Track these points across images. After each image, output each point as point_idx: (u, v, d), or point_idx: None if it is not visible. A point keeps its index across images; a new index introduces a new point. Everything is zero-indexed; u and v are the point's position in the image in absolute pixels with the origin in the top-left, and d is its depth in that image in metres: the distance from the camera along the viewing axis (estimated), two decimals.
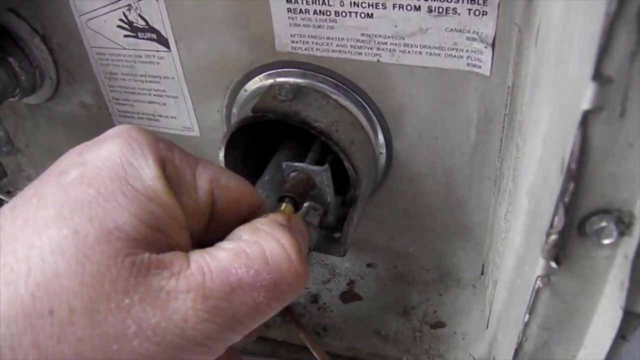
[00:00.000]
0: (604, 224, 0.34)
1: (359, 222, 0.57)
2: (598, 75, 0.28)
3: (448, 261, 0.66)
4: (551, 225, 0.36)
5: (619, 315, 0.37)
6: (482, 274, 0.63)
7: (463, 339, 0.60)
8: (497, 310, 0.52)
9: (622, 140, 0.30)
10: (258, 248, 0.32)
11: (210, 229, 0.36)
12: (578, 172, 0.32)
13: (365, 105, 0.58)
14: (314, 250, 0.55)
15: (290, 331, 0.63)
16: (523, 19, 0.46)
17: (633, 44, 0.26)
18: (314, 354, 0.38)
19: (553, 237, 0.36)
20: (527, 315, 0.42)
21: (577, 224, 0.35)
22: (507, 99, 0.52)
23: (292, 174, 0.53)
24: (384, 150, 0.60)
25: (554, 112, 0.36)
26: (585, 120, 0.29)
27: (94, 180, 0.30)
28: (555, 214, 0.35)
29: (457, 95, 0.55)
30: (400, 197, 0.64)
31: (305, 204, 0.54)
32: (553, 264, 0.38)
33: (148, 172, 0.31)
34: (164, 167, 0.32)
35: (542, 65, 0.38)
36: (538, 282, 0.39)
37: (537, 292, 0.40)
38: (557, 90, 0.35)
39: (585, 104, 0.29)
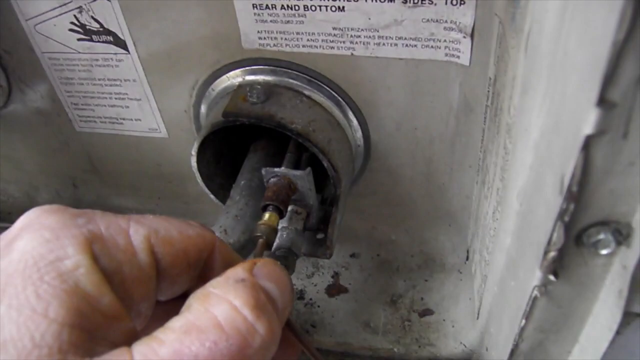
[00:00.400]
0: (602, 235, 0.34)
1: (341, 220, 0.56)
2: (602, 101, 0.26)
3: (431, 246, 0.66)
4: (549, 242, 0.35)
5: (616, 319, 0.37)
6: (467, 259, 0.63)
7: (453, 326, 0.60)
8: (488, 303, 0.52)
9: (624, 160, 0.29)
10: (208, 317, 0.28)
11: (162, 288, 0.33)
12: (579, 193, 0.31)
13: (341, 100, 0.56)
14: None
15: None
16: (505, 12, 0.44)
17: (639, 70, 0.25)
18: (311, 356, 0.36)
19: (552, 254, 0.36)
20: (523, 320, 0.42)
21: (575, 236, 0.35)
22: (488, 90, 0.50)
23: (272, 179, 0.51)
24: (361, 144, 0.59)
25: (548, 126, 0.35)
26: (588, 144, 0.28)
27: (4, 292, 0.26)
28: (553, 231, 0.35)
29: (436, 86, 0.53)
30: (380, 187, 0.63)
31: (288, 209, 0.52)
32: (551, 277, 0.38)
33: (67, 263, 0.27)
34: (90, 245, 0.28)
35: (534, 74, 0.36)
36: (535, 292, 0.39)
37: (533, 300, 0.40)
38: (551, 105, 0.34)
39: (588, 128, 0.28)
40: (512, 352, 0.45)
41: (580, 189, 0.30)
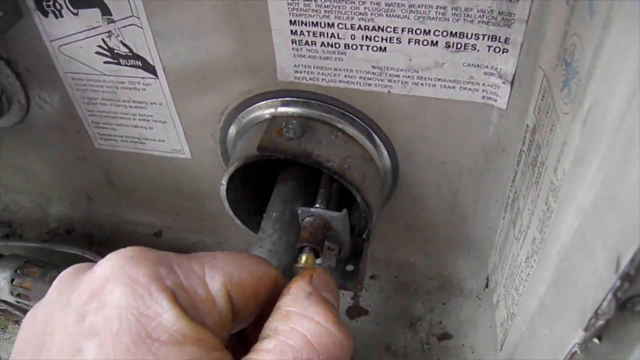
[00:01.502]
0: None
1: (370, 253, 0.57)
2: None
3: (449, 270, 0.67)
4: (597, 311, 0.37)
5: None
6: (486, 286, 0.64)
7: (472, 352, 0.62)
8: (515, 339, 0.53)
9: None
10: (298, 335, 0.31)
11: (233, 328, 0.34)
12: (636, 275, 0.32)
13: (373, 134, 0.56)
14: None
15: None
16: (553, 70, 0.44)
17: None
18: None
19: (600, 322, 0.37)
20: None
21: (620, 305, 0.36)
22: (524, 136, 0.51)
23: (307, 219, 0.51)
24: (389, 174, 0.59)
25: (602, 199, 0.36)
26: None
27: (117, 350, 0.27)
28: (603, 301, 0.36)
29: (469, 125, 0.54)
30: (403, 214, 0.64)
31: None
32: (595, 340, 0.39)
33: (167, 318, 0.28)
34: (176, 298, 0.29)
35: (590, 148, 0.37)
36: (575, 348, 0.41)
37: (572, 355, 0.42)
38: (607, 182, 0.35)
39: None
40: None
41: (637, 272, 0.31)
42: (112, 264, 0.30)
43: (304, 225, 0.51)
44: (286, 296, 0.35)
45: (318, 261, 0.53)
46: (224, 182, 0.56)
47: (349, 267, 0.57)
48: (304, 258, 0.47)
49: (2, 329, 0.69)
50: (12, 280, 0.60)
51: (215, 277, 0.32)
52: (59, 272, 0.58)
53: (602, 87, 0.36)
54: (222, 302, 0.31)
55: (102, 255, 0.69)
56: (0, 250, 0.65)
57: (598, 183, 0.36)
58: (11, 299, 0.61)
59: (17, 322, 0.70)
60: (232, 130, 0.60)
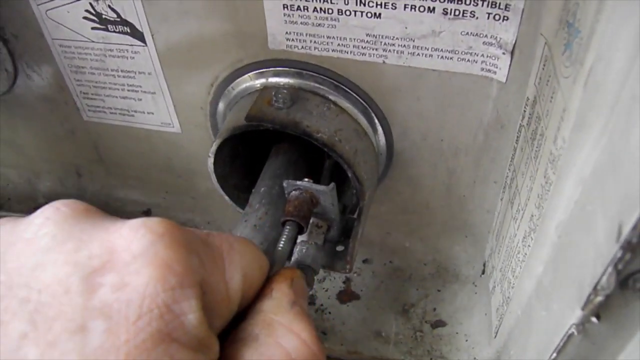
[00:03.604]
0: None
1: (362, 232, 0.54)
2: None
3: (445, 256, 0.65)
4: (596, 286, 0.34)
5: None
6: (482, 273, 0.62)
7: (466, 340, 0.59)
8: (509, 325, 0.51)
9: None
10: (282, 352, 0.29)
11: None
12: (638, 245, 0.30)
13: (367, 107, 0.54)
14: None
15: None
16: (554, 35, 0.42)
17: None
18: None
19: (599, 298, 0.35)
20: (554, 354, 0.41)
21: (621, 281, 0.34)
22: (524, 110, 0.49)
23: (293, 192, 0.49)
24: (384, 152, 0.57)
25: (603, 165, 0.34)
26: None
27: (130, 344, 0.23)
28: (602, 275, 0.34)
29: (467, 99, 0.52)
30: (398, 195, 0.61)
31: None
32: (594, 319, 0.37)
33: (192, 319, 0.25)
34: (202, 297, 0.27)
35: (593, 110, 0.35)
36: (572, 329, 0.38)
37: (569, 336, 0.39)
38: (610, 145, 0.32)
39: None
40: None
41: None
42: (141, 238, 0.26)
43: (289, 199, 0.49)
44: (268, 300, 0.33)
45: (304, 237, 0.50)
46: (211, 153, 0.54)
47: (339, 248, 0.55)
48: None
49: None
50: None
51: (235, 277, 0.30)
52: None
53: (604, 42, 0.34)
54: (235, 304, 0.30)
55: None
56: None
57: (600, 148, 0.34)
58: None
59: None
60: (222, 103, 0.58)
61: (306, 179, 0.50)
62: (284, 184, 0.49)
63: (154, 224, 0.27)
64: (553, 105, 0.42)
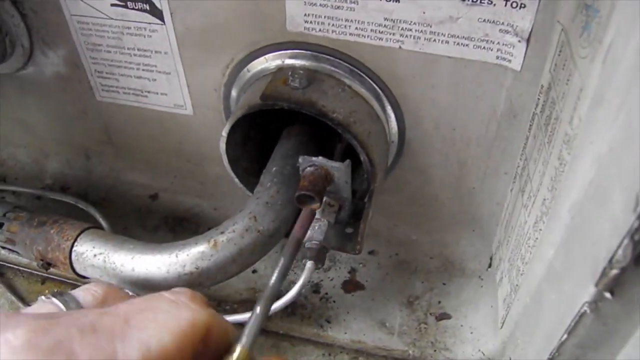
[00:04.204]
0: None
1: (371, 216, 0.54)
2: None
3: (452, 250, 0.65)
4: (611, 259, 0.34)
5: None
6: (489, 266, 0.62)
7: (471, 333, 0.59)
8: (517, 313, 0.51)
9: None
10: None
11: None
12: None
13: (380, 93, 0.54)
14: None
15: (292, 323, 0.61)
16: (571, 20, 0.43)
17: None
18: None
19: (614, 271, 0.35)
20: (565, 335, 0.41)
21: (636, 256, 0.34)
22: (538, 98, 0.49)
23: (308, 168, 0.49)
24: (395, 140, 0.57)
25: (620, 141, 0.34)
26: None
27: None
28: (618, 248, 0.34)
29: (481, 88, 0.52)
30: (407, 186, 0.62)
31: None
32: (607, 295, 0.37)
33: None
34: None
35: (611, 86, 0.35)
36: (585, 307, 0.38)
37: (580, 316, 0.39)
38: (628, 120, 0.33)
39: None
40: None
41: None
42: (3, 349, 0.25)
43: (304, 174, 0.49)
44: None
45: (317, 215, 0.51)
46: (225, 133, 0.54)
47: (349, 230, 0.55)
48: (237, 352, 0.32)
49: None
50: (0, 225, 0.58)
51: (132, 354, 0.27)
52: (48, 218, 0.57)
53: (624, 18, 0.35)
54: None
55: (97, 208, 0.67)
56: None
57: (618, 123, 0.34)
58: None
59: None
60: (236, 86, 0.58)
61: (320, 157, 0.50)
62: (300, 160, 0.49)
63: (13, 336, 0.26)
64: (569, 87, 0.43)
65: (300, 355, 0.60)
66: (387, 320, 0.61)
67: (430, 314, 0.61)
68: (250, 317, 0.34)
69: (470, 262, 0.64)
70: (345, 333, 0.60)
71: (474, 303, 0.61)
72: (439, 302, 0.62)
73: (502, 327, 0.55)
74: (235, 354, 0.31)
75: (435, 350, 0.59)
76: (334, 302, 0.62)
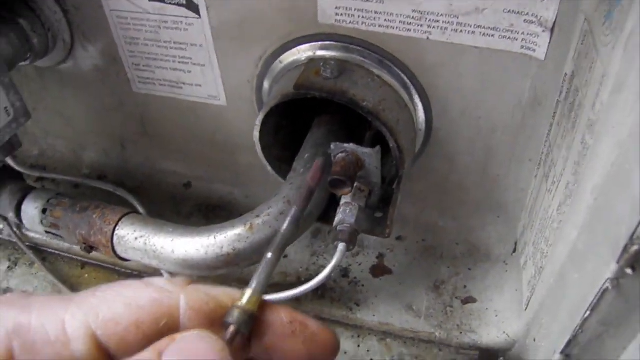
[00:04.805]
0: None
1: (400, 201, 0.56)
2: None
3: (477, 236, 0.66)
4: (632, 236, 0.36)
5: None
6: (514, 251, 0.64)
7: (496, 316, 0.61)
8: (541, 295, 0.53)
9: None
10: None
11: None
12: None
13: (408, 82, 0.56)
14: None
15: (322, 305, 0.63)
16: (595, 9, 0.44)
17: None
18: None
19: (635, 247, 0.37)
20: (588, 312, 0.43)
21: None
22: (562, 86, 0.51)
23: (340, 154, 0.51)
24: (423, 128, 0.59)
25: None
26: None
27: None
28: (639, 227, 0.35)
29: (506, 77, 0.54)
30: (434, 173, 0.63)
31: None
32: (629, 271, 0.38)
33: None
34: (10, 342, 0.27)
35: (632, 72, 0.37)
36: (607, 284, 0.40)
37: (603, 292, 0.41)
38: None
39: None
40: (569, 343, 0.46)
41: None
42: None
43: (336, 160, 0.51)
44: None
45: (347, 199, 0.53)
46: (259, 122, 0.56)
47: (378, 214, 0.57)
48: (246, 296, 0.31)
49: (14, 263, 0.71)
50: (44, 211, 0.61)
51: (77, 316, 0.28)
52: (90, 203, 0.59)
53: None
54: (79, 343, 0.28)
55: (133, 194, 0.70)
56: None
57: (638, 107, 0.35)
58: (40, 229, 0.62)
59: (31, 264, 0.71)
60: (268, 77, 0.60)
61: (352, 144, 0.52)
62: (332, 146, 0.51)
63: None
64: (592, 74, 0.44)
65: None
66: (414, 303, 0.63)
67: (456, 297, 0.63)
68: (260, 264, 0.33)
69: (495, 247, 0.66)
70: (374, 315, 0.62)
71: (499, 287, 0.63)
72: (465, 287, 0.64)
73: (526, 308, 0.57)
74: (245, 297, 0.30)
75: (461, 333, 0.61)
76: (363, 286, 0.65)
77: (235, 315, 0.29)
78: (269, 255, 0.33)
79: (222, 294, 0.31)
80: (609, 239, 0.39)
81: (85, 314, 0.28)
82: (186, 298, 0.30)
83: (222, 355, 0.27)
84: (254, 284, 0.32)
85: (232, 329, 0.28)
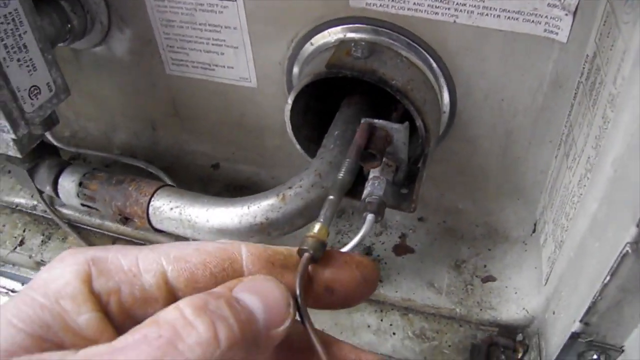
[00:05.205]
0: None
1: (425, 179, 0.59)
2: None
3: (496, 217, 0.69)
4: None
5: None
6: (533, 232, 0.66)
7: (515, 293, 0.63)
8: (561, 268, 0.55)
9: None
10: (152, 319, 0.28)
11: None
12: None
13: (434, 65, 0.59)
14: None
15: None
16: None
17: None
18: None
19: None
20: (608, 277, 0.45)
21: None
22: (583, 67, 0.53)
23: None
24: (447, 110, 0.61)
25: None
26: None
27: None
28: None
29: (529, 60, 0.56)
30: (456, 156, 0.66)
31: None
32: None
33: (59, 282, 0.28)
34: (88, 266, 0.29)
35: None
36: (627, 248, 0.42)
37: (622, 257, 0.43)
38: None
39: None
40: (588, 311, 0.48)
41: None
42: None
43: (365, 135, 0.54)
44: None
45: (376, 173, 0.55)
46: (290, 100, 0.59)
47: (404, 190, 0.59)
48: (316, 228, 0.34)
49: (47, 237, 0.74)
50: (80, 184, 0.64)
51: (149, 255, 0.31)
52: (126, 177, 0.62)
53: None
54: (149, 276, 0.30)
55: (164, 171, 0.72)
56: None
57: None
58: (76, 202, 0.64)
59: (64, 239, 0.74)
60: (300, 58, 0.63)
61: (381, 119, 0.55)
62: (362, 121, 0.53)
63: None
64: (613, 52, 0.47)
65: (354, 311, 0.64)
66: (435, 281, 0.65)
67: (476, 276, 0.65)
68: (324, 204, 0.39)
69: (514, 229, 0.68)
70: (396, 292, 0.64)
71: (517, 266, 0.65)
72: (485, 266, 0.66)
73: (546, 283, 0.59)
74: (316, 228, 0.34)
75: (481, 309, 0.63)
76: (386, 263, 0.67)
77: (309, 243, 0.32)
78: (331, 197, 0.41)
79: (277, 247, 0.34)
80: (628, 205, 0.41)
81: (156, 254, 0.31)
82: (246, 247, 0.32)
83: (286, 295, 0.29)
84: (322, 218, 0.37)
85: (306, 255, 0.31)
